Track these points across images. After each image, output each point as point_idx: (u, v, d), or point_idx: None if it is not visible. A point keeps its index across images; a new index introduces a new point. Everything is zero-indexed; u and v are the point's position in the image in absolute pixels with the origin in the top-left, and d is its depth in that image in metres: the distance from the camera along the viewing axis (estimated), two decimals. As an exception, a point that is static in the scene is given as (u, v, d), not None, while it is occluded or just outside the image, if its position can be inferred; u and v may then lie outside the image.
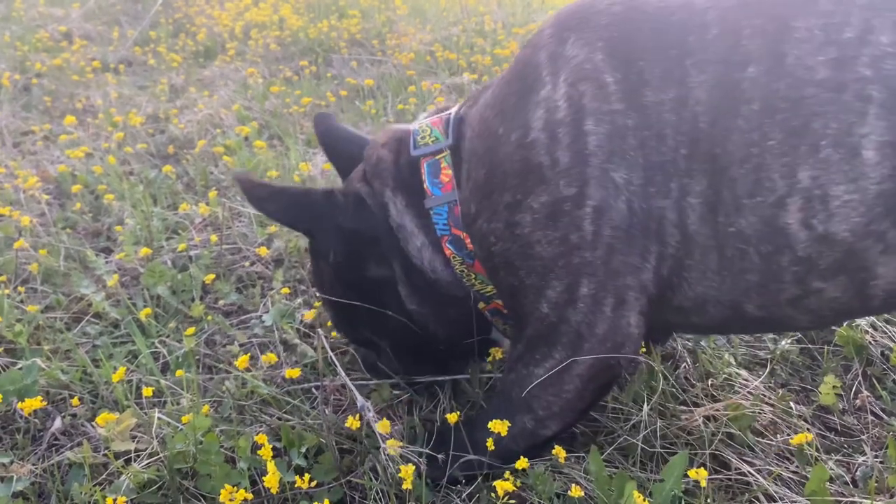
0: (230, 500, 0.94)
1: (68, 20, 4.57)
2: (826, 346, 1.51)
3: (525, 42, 1.19)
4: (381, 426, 1.03)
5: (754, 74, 0.91)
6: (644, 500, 0.98)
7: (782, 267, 0.95)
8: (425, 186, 1.14)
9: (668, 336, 1.47)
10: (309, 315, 1.56)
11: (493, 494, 0.97)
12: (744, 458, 1.22)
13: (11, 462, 1.20)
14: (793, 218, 0.91)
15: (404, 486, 0.93)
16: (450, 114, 1.19)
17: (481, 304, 1.20)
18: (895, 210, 0.88)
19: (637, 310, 1.02)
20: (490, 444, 1.06)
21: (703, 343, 1.50)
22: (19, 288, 1.68)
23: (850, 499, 1.11)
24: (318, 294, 1.40)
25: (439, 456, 1.11)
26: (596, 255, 1.00)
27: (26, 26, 4.38)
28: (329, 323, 1.46)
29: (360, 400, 0.95)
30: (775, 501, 1.14)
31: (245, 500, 0.96)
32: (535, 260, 1.03)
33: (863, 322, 1.52)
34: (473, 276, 1.16)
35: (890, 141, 0.86)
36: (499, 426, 1.04)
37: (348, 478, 1.14)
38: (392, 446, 1.08)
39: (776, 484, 1.17)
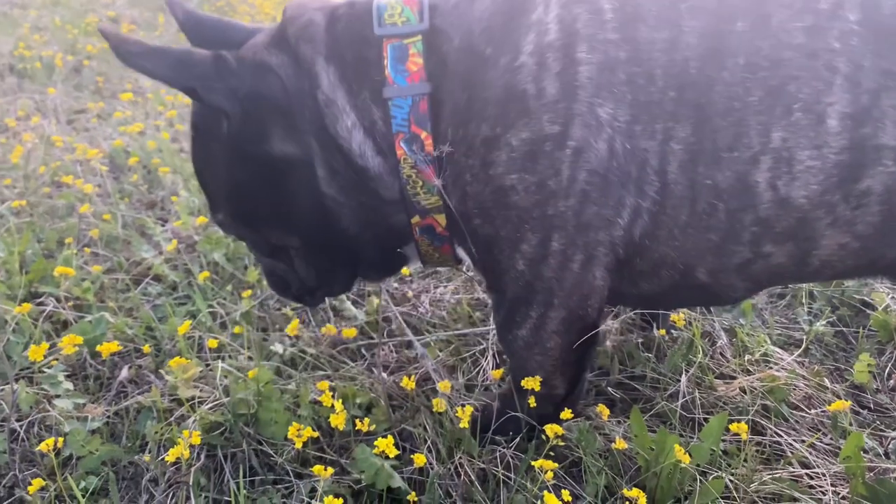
0: (297, 436, 1.01)
1: (115, 6, 4.71)
2: (861, 330, 1.55)
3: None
4: (442, 386, 1.09)
5: (741, 30, 0.92)
6: (684, 453, 1.03)
7: (743, 226, 0.97)
8: (387, 73, 1.00)
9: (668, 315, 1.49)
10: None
11: (543, 436, 1.03)
12: (779, 428, 1.27)
13: (84, 404, 1.29)
14: (762, 177, 0.93)
15: (461, 425, 0.99)
16: None
17: (415, 218, 1.08)
18: (847, 182, 0.92)
19: (604, 265, 1.02)
20: (532, 401, 1.11)
21: (741, 321, 1.54)
22: (86, 249, 1.77)
23: (883, 465, 1.15)
24: (206, 188, 1.18)
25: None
26: (568, 204, 0.96)
27: (75, 11, 4.52)
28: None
29: (419, 348, 1.01)
30: (809, 468, 1.18)
31: (310, 438, 1.02)
32: (510, 209, 0.98)
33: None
34: (421, 183, 1.03)
35: (850, 113, 0.90)
36: (531, 383, 1.09)
37: (402, 426, 1.20)
38: (439, 403, 1.14)
39: (809, 453, 1.21)
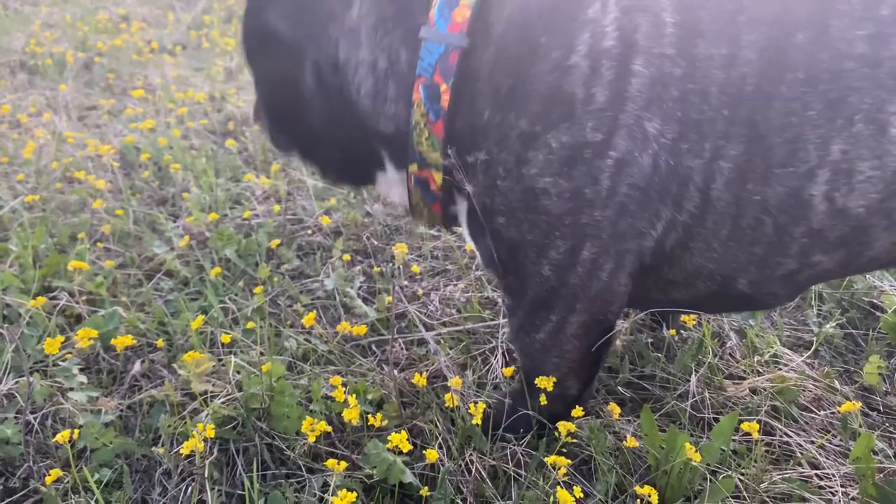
0: (311, 430, 1.02)
1: (125, 3, 4.73)
2: (870, 332, 1.55)
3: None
4: (454, 382, 1.09)
5: (801, 42, 0.89)
6: (695, 451, 1.03)
7: (793, 238, 0.95)
8: (432, 13, 0.99)
9: (678, 315, 1.50)
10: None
11: (556, 434, 1.04)
12: (788, 429, 1.27)
13: (98, 397, 1.30)
14: (817, 190, 0.91)
15: (473, 422, 1.00)
16: None
17: (413, 167, 1.07)
18: None
19: (628, 271, 1.00)
20: (543, 399, 1.12)
21: (750, 322, 1.54)
22: (98, 244, 1.78)
23: (893, 466, 1.15)
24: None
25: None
26: (605, 214, 0.94)
27: (86, 8, 4.54)
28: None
29: (432, 345, 1.02)
30: (819, 469, 1.18)
31: (323, 432, 1.03)
32: (540, 213, 0.96)
33: (908, 310, 1.56)
34: (427, 134, 1.02)
35: None
36: (544, 382, 1.09)
37: (413, 422, 1.21)
38: (451, 398, 1.15)
39: (819, 454, 1.22)
